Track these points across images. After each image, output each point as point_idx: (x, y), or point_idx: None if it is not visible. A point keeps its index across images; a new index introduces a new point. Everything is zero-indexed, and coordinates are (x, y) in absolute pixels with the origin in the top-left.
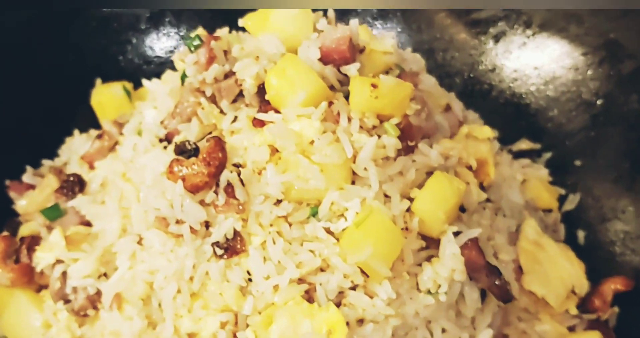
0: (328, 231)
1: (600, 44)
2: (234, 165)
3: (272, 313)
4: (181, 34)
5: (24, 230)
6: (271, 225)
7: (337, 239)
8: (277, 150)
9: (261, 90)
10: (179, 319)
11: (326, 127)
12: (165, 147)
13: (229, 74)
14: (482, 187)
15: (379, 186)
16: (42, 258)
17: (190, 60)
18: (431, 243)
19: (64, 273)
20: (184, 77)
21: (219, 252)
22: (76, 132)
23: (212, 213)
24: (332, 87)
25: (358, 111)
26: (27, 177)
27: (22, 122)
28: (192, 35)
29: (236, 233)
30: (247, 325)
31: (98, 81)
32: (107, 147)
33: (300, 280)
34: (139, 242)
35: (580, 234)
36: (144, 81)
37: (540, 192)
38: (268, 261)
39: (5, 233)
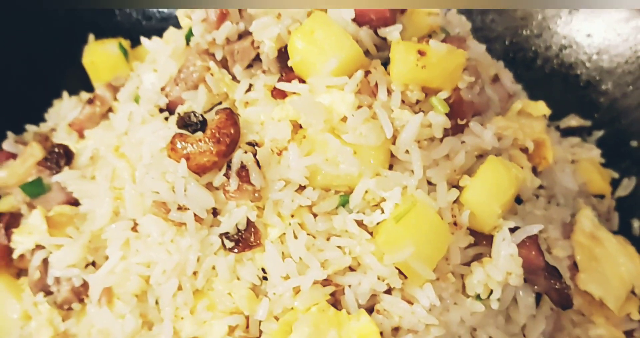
0: (360, 224)
1: None
2: (249, 143)
3: (291, 320)
4: None
5: (2, 205)
6: (292, 215)
7: (371, 234)
8: (301, 127)
9: (282, 54)
10: (179, 321)
11: (361, 101)
12: (166, 119)
13: (243, 34)
14: (534, 171)
15: (423, 172)
16: (19, 243)
17: (197, 16)
18: (481, 240)
19: (45, 261)
20: (189, 36)
21: (229, 244)
22: (65, 94)
23: (222, 199)
24: (367, 53)
25: (400, 83)
26: (8, 144)
27: (5, 82)
28: None
29: (250, 223)
30: (261, 332)
31: (91, 37)
32: (98, 113)
33: (326, 281)
34: (133, 229)
35: (636, 224)
36: (143, 39)
37: (592, 175)
38: (287, 258)
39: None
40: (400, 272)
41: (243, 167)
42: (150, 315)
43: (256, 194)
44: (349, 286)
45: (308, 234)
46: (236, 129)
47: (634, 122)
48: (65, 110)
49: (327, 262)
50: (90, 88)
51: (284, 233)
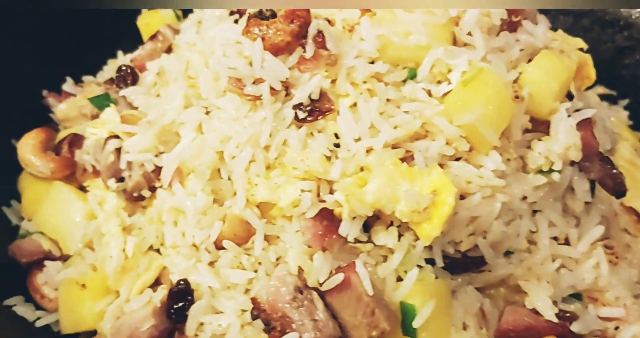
0: (429, 94)
1: None
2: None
3: (365, 176)
4: None
5: (63, 135)
6: (365, 82)
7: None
8: (369, 10)
9: None
10: (252, 189)
11: None
12: (235, 21)
13: None
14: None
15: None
16: (92, 134)
17: None
18: (538, 125)
19: (117, 151)
20: None
21: (302, 115)
22: (120, 53)
23: (295, 75)
24: None
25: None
26: (68, 86)
27: (63, 42)
28: None
29: (322, 94)
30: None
31: (144, 9)
32: (159, 49)
33: (395, 147)
34: (206, 114)
35: None
36: None
37: (622, 130)
38: (360, 122)
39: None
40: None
41: (319, 33)
42: (221, 191)
43: (332, 58)
44: (419, 151)
45: (379, 100)
46: (308, 12)
47: None
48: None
49: (398, 126)
50: None
51: (356, 103)
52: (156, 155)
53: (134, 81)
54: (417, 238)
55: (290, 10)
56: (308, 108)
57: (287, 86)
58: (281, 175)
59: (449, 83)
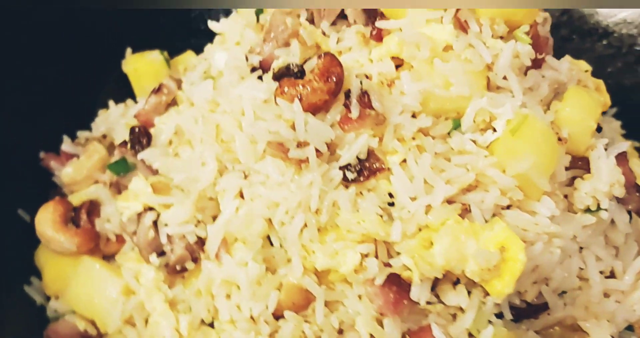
0: (476, 144)
1: None
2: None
3: (428, 236)
4: None
5: (74, 199)
6: (413, 138)
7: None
8: (402, 63)
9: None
10: (309, 256)
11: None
12: (259, 77)
13: None
14: None
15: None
16: (125, 208)
17: None
18: (576, 161)
19: (154, 223)
20: (259, 12)
21: (351, 176)
22: (111, 103)
23: (338, 134)
24: None
25: (487, 17)
26: (67, 146)
27: (49, 94)
28: None
29: (371, 152)
30: (397, 254)
31: (128, 51)
32: (164, 103)
33: (449, 201)
34: (245, 178)
35: None
36: (210, 23)
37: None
38: (414, 179)
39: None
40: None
41: (364, 93)
42: (273, 259)
43: (380, 117)
44: (474, 203)
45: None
46: (342, 68)
47: None
48: (114, 116)
49: (451, 180)
50: (131, 97)
51: (405, 159)
52: (196, 225)
53: (149, 141)
54: (486, 294)
55: (324, 67)
56: (357, 168)
57: (329, 146)
58: (336, 240)
59: (493, 131)
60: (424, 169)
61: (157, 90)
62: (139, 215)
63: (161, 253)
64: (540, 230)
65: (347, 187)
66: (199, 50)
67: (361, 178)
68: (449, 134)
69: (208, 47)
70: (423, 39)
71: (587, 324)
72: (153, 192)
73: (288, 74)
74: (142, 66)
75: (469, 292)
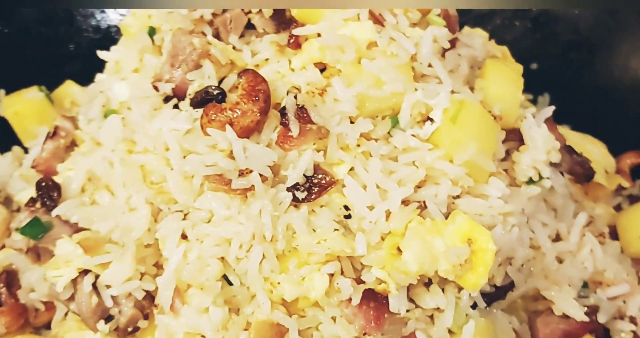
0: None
1: None
2: (289, 91)
3: (393, 242)
4: None
5: None
6: (358, 145)
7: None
8: (324, 68)
9: (277, 12)
10: (275, 288)
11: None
12: (175, 106)
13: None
14: None
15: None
16: (57, 277)
17: None
18: (507, 136)
19: (94, 286)
20: (152, 33)
21: (302, 195)
22: None
23: (279, 154)
24: None
25: (399, 6)
26: None
27: None
28: None
29: (316, 168)
30: (363, 267)
31: (1, 93)
32: (63, 146)
33: (406, 201)
34: (185, 218)
35: None
36: (100, 52)
37: None
38: (367, 187)
39: None
40: None
41: (301, 108)
42: (234, 298)
43: (322, 130)
44: (428, 199)
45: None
46: (267, 84)
47: None
48: (3, 168)
49: (402, 180)
50: (15, 143)
51: (352, 167)
52: (140, 279)
53: (59, 194)
54: (459, 289)
55: (249, 86)
56: (306, 186)
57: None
58: (298, 265)
59: (432, 122)
60: (375, 175)
61: (53, 135)
62: (74, 280)
63: (107, 318)
64: (495, 213)
65: (296, 206)
66: (78, 77)
67: (312, 197)
68: (388, 133)
69: (100, 77)
70: (346, 41)
71: (551, 293)
72: (85, 253)
73: (208, 99)
74: (22, 108)
75: (443, 290)
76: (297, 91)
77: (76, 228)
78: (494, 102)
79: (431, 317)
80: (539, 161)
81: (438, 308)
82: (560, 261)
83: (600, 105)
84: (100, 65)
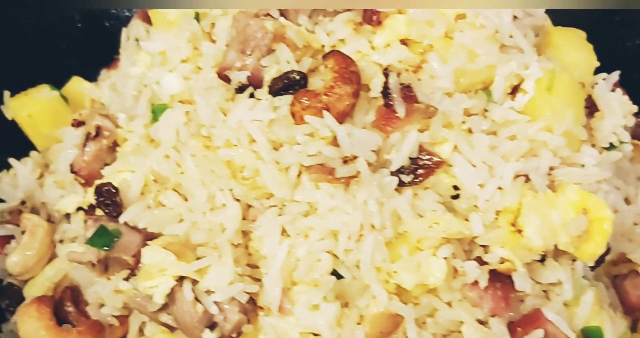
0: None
1: None
2: (385, 70)
3: (510, 219)
4: None
5: (35, 290)
6: (463, 122)
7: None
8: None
9: None
10: (391, 278)
11: None
12: (250, 95)
13: None
14: None
15: None
16: (152, 288)
17: None
18: None
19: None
20: (197, 18)
21: (407, 178)
22: (13, 160)
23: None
24: None
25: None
26: None
27: None
28: None
29: (420, 148)
30: (480, 247)
31: (6, 94)
32: (106, 148)
33: None
34: (281, 214)
35: None
36: (144, 43)
37: None
38: (474, 165)
39: (37, 294)
40: None
41: (407, 87)
42: (346, 292)
43: (430, 109)
44: (532, 171)
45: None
46: (356, 65)
47: None
48: (24, 178)
49: (506, 154)
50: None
51: (456, 145)
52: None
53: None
54: (573, 260)
55: (340, 68)
56: (412, 168)
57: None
58: (410, 252)
59: (524, 93)
60: (482, 151)
61: (95, 136)
62: (173, 289)
63: (212, 325)
64: (592, 180)
65: (399, 191)
66: (84, 74)
67: (419, 179)
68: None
69: (135, 71)
70: (435, 15)
71: (636, 256)
72: (179, 259)
73: (290, 85)
74: (37, 110)
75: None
76: (396, 70)
77: (146, 234)
78: (571, 69)
79: (545, 292)
80: (618, 126)
81: (553, 282)
82: (634, 224)
83: None
84: (96, 60)
